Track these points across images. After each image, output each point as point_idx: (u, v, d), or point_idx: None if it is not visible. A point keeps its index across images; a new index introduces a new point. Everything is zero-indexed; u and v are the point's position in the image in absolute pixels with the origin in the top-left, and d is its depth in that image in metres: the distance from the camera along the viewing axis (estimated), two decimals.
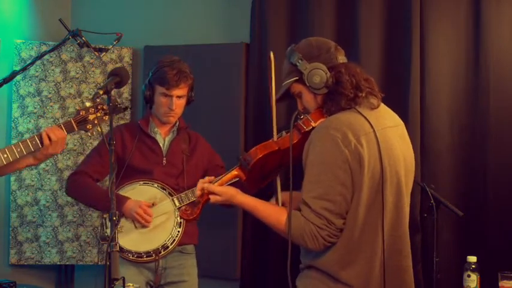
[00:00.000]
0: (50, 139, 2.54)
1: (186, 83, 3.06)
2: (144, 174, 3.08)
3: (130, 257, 2.99)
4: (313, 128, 2.19)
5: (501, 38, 3.63)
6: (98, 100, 2.51)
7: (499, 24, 3.62)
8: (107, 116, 2.58)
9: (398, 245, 2.15)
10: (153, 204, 3.03)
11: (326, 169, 2.05)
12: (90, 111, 2.59)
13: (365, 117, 2.11)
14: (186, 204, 2.88)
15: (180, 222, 3.06)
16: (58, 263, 4.29)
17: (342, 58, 2.23)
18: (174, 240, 3.04)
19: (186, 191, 3.08)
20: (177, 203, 3.07)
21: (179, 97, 3.07)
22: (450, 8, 3.71)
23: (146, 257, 3.01)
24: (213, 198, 2.23)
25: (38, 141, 2.54)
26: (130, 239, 3.00)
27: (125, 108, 2.44)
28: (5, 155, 2.51)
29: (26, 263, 4.25)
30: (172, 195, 3.07)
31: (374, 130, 2.10)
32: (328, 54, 2.20)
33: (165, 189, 3.07)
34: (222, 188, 2.22)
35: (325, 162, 2.06)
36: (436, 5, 3.72)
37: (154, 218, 3.01)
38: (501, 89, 3.62)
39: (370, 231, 2.09)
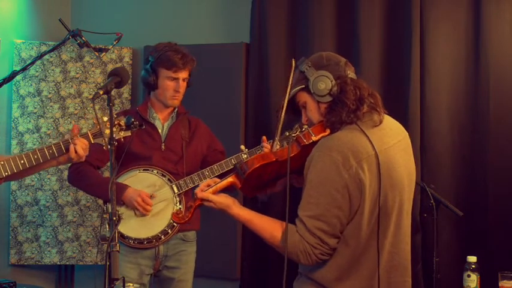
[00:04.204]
0: (76, 151, 2.58)
1: (191, 65, 3.15)
2: (143, 160, 3.11)
3: (132, 243, 3.04)
4: (313, 142, 2.17)
5: (501, 38, 3.63)
6: (116, 117, 2.53)
7: (499, 24, 3.63)
8: (123, 132, 2.60)
9: (396, 261, 2.17)
10: (151, 196, 3.06)
11: (324, 191, 2.06)
12: (107, 125, 2.55)
13: (368, 137, 2.10)
14: (180, 208, 3.03)
15: (180, 208, 3.09)
16: (58, 263, 4.29)
17: (351, 74, 2.23)
18: (174, 226, 3.06)
19: (185, 178, 3.11)
20: (176, 190, 3.10)
21: (184, 79, 3.14)
22: (450, 8, 3.72)
23: (147, 243, 3.05)
24: (207, 204, 2.23)
25: (55, 151, 2.57)
26: (131, 226, 3.05)
27: (141, 125, 2.48)
28: (22, 161, 2.56)
29: (26, 263, 4.25)
30: (171, 182, 3.10)
31: (376, 152, 2.09)
32: (337, 66, 2.21)
33: (164, 176, 3.11)
34: (217, 198, 2.21)
35: (323, 184, 2.06)
36: (436, 5, 3.72)
37: (154, 205, 3.05)
38: (501, 89, 3.63)
39: (371, 250, 2.10)
